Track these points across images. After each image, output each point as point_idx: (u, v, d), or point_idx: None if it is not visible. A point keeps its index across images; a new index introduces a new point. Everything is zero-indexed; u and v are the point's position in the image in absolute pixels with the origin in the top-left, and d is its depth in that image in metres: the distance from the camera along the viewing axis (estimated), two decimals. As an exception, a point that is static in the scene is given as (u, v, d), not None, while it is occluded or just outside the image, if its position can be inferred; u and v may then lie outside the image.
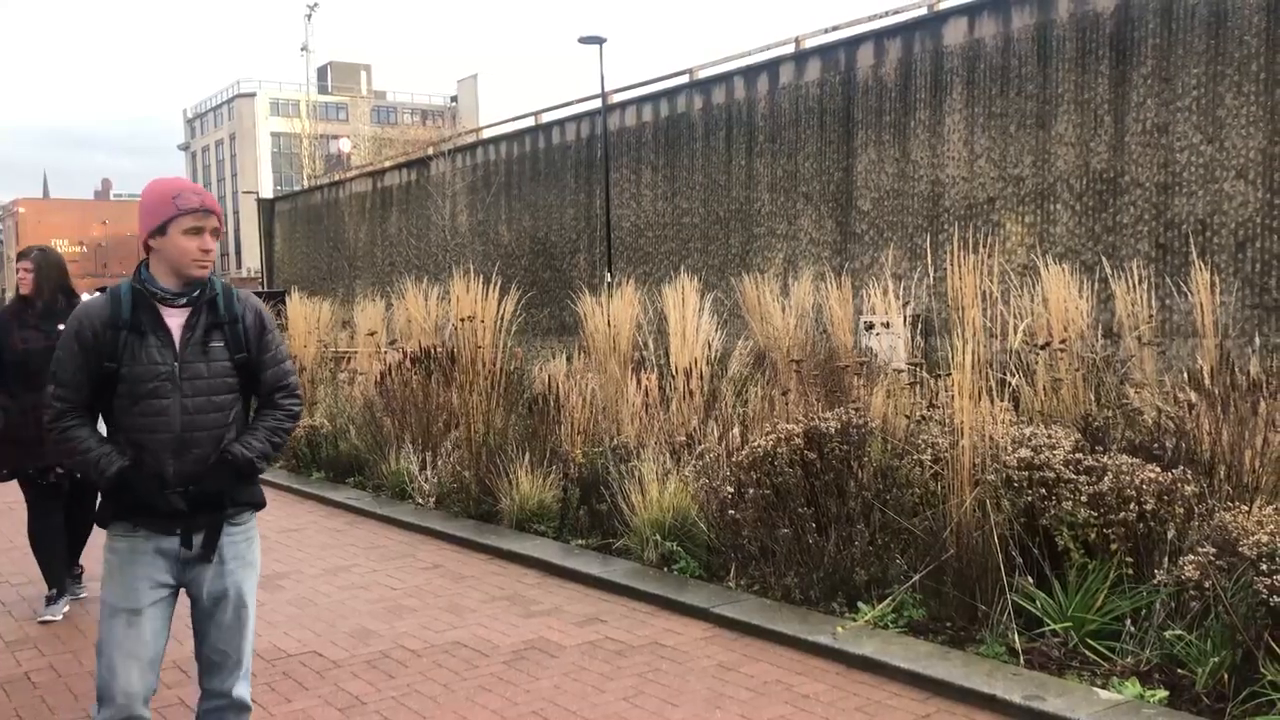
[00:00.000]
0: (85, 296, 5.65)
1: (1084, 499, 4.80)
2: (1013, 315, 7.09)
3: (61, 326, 3.59)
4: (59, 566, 6.15)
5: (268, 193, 69.59)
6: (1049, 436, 5.28)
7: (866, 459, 5.81)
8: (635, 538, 6.67)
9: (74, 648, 5.51)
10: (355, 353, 13.78)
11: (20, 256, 6.04)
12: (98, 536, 3.83)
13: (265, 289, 43.30)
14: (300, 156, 74.44)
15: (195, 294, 3.27)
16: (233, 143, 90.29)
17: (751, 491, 5.83)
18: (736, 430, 7.02)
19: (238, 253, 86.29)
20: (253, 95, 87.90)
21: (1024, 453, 5.06)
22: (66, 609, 6.12)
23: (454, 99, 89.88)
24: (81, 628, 5.85)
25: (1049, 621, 4.74)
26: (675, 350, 8.12)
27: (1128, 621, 4.59)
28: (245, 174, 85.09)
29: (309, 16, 74.83)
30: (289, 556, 7.57)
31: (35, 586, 6.62)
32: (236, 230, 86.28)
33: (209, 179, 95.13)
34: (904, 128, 22.29)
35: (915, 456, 5.57)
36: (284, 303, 15.84)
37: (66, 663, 5.29)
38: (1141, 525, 4.75)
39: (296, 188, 62.56)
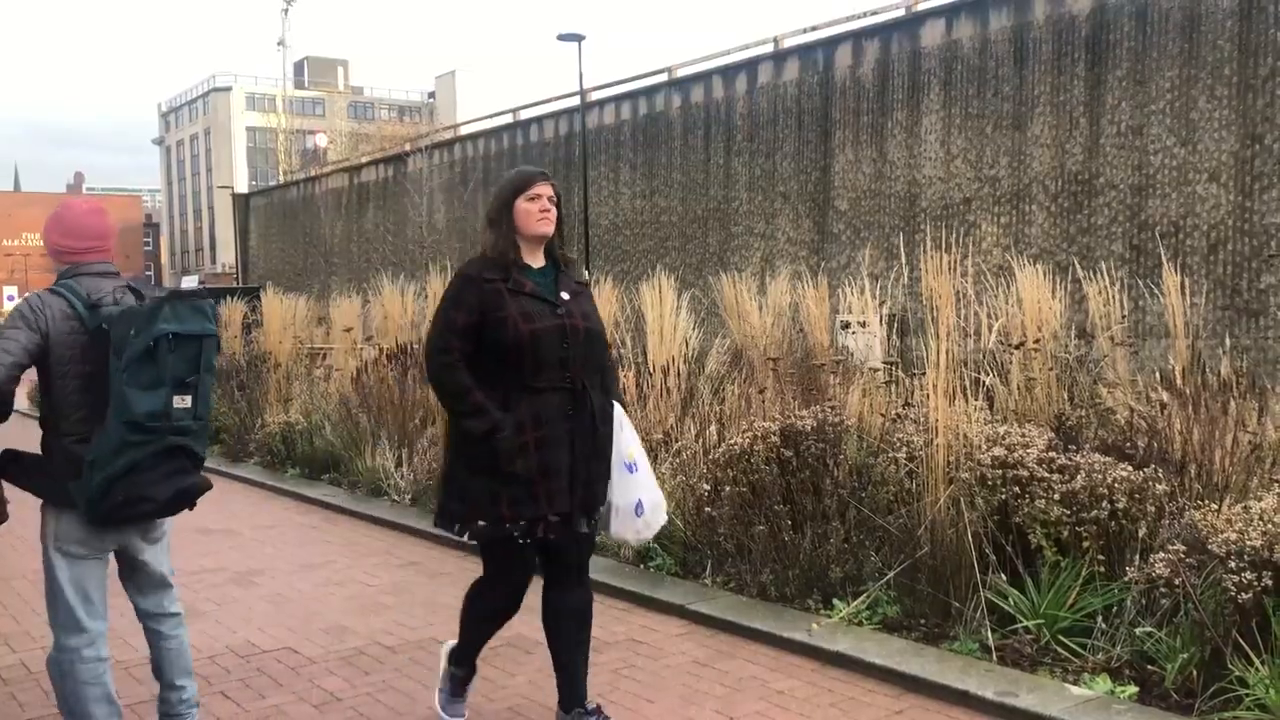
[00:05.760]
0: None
1: (1057, 497, 4.84)
2: (987, 315, 7.15)
3: None
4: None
5: (243, 188, 69.11)
6: (1023, 435, 5.32)
7: (842, 457, 5.84)
8: (612, 535, 6.66)
9: (45, 644, 5.45)
10: (331, 349, 13.71)
11: (539, 177, 3.83)
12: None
13: (240, 285, 43.02)
14: (276, 152, 73.93)
15: None
16: (208, 137, 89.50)
17: (728, 489, 5.85)
18: (713, 428, 7.03)
19: (212, 248, 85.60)
20: (228, 89, 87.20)
21: (998, 451, 5.09)
22: None
23: (432, 95, 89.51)
24: (52, 624, 5.79)
25: (1022, 618, 4.78)
26: (653, 348, 8.13)
27: (1099, 618, 4.63)
28: (220, 169, 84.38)
29: (286, 11, 74.62)
30: (263, 553, 7.53)
31: (3, 584, 6.55)
32: (211, 226, 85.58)
33: (183, 173, 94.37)
34: (881, 128, 22.40)
35: (890, 455, 5.60)
36: (259, 299, 15.75)
37: (37, 659, 5.24)
38: (1113, 523, 4.79)
39: (272, 183, 62.18)
